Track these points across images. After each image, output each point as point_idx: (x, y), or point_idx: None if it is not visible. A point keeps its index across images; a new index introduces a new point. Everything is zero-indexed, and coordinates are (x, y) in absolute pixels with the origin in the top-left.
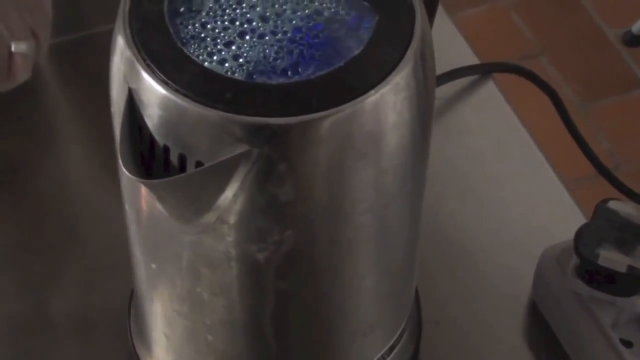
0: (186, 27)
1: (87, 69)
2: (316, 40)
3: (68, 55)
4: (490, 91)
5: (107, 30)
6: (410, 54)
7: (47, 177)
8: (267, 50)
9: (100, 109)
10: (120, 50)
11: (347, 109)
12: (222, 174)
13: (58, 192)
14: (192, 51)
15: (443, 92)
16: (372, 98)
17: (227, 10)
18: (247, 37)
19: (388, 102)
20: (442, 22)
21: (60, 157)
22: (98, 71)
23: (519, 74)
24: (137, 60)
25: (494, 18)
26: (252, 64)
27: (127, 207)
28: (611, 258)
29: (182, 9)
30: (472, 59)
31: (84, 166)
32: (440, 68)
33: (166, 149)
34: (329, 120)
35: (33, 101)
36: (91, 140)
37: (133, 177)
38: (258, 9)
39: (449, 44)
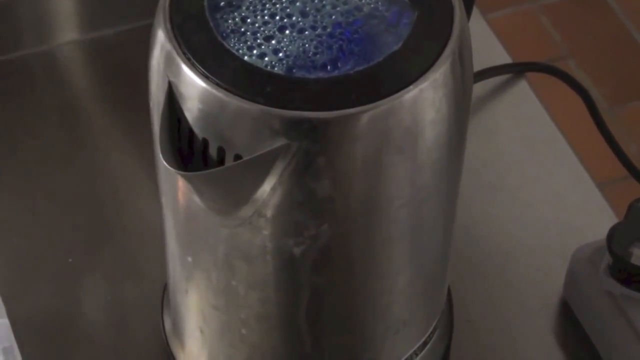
0: (226, 21)
1: (122, 64)
2: (355, 36)
3: (103, 50)
4: (523, 91)
5: (142, 26)
6: (448, 50)
7: (82, 171)
8: (307, 45)
9: (135, 103)
10: (161, 44)
11: (385, 104)
12: (260, 168)
13: (94, 186)
14: (232, 45)
15: (476, 90)
16: (410, 94)
17: (267, 5)
18: (287, 32)
19: (426, 98)
20: (476, 21)
21: (95, 151)
22: (133, 66)
23: (551, 74)
24: (178, 54)
25: (522, 20)
26: (292, 58)
27: (164, 200)
28: None
29: (222, 4)
30: (505, 59)
31: (118, 161)
32: (474, 66)
33: (205, 142)
34: (368, 115)
35: (70, 96)
36: (127, 135)
37: (172, 169)
38: (298, 3)
39: (482, 43)
